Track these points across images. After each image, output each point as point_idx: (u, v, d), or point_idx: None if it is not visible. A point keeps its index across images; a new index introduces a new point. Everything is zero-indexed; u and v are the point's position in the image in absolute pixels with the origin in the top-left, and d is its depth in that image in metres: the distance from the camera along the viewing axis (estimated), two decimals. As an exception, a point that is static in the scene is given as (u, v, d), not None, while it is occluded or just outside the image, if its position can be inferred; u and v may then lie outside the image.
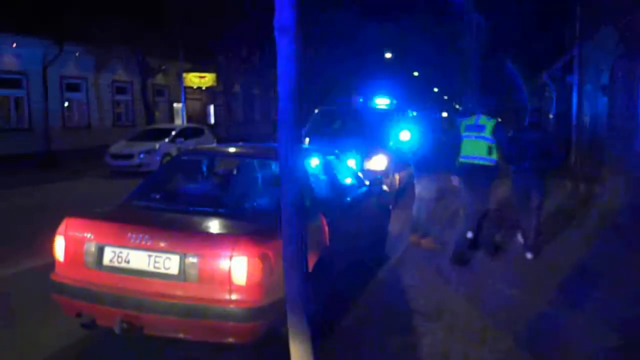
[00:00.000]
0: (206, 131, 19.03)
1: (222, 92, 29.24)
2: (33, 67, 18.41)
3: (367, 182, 5.93)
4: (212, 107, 30.21)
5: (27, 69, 18.39)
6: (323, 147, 10.02)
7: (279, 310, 3.44)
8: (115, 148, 16.07)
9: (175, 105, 27.14)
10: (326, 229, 4.26)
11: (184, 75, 26.97)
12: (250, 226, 3.62)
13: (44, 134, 18.74)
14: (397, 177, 10.23)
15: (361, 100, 11.70)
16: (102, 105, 22.12)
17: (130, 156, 15.62)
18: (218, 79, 27.52)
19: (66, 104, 20.77)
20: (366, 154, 9.28)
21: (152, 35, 19.94)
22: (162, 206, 3.96)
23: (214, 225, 3.64)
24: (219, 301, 3.31)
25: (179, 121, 27.03)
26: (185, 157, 4.68)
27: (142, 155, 15.59)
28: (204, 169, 4.66)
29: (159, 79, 25.48)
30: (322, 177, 5.05)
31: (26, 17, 16.58)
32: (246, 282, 3.31)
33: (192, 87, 27.85)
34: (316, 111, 11.47)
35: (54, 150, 18.35)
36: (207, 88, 28.29)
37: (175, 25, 21.20)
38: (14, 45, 17.58)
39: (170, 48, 22.12)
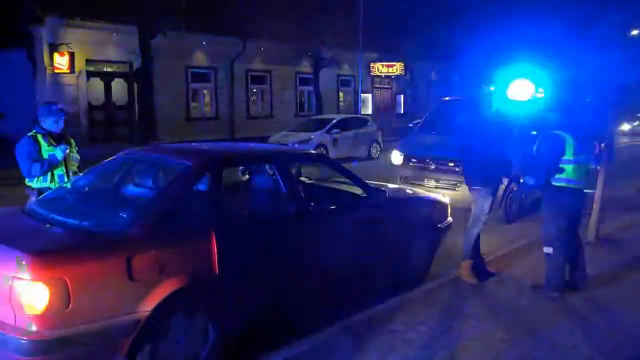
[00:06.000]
0: (370, 122, 18.65)
1: (409, 82, 28.37)
2: (220, 62, 20.40)
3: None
4: (402, 97, 29.56)
5: (216, 65, 20.44)
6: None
7: (69, 348, 2.99)
8: (273, 138, 16.79)
9: (363, 95, 27.27)
10: (214, 249, 3.54)
11: (372, 65, 27.00)
12: (60, 243, 3.20)
13: (229, 122, 20.73)
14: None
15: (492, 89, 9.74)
16: (285, 95, 23.38)
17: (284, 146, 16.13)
18: (406, 68, 26.74)
19: (253, 98, 22.49)
20: None
21: (331, 28, 20.30)
22: (41, 211, 3.75)
23: (30, 238, 3.31)
24: (2, 324, 2.99)
25: (368, 111, 27.19)
26: (113, 159, 4.40)
27: (295, 146, 15.93)
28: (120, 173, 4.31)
29: (345, 69, 25.86)
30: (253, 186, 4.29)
31: (213, 18, 18.38)
32: (28, 310, 2.91)
33: (380, 77, 27.65)
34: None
35: (237, 138, 20.11)
36: (395, 77, 27.75)
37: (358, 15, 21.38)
38: (204, 43, 19.67)
39: (352, 39, 22.24)
